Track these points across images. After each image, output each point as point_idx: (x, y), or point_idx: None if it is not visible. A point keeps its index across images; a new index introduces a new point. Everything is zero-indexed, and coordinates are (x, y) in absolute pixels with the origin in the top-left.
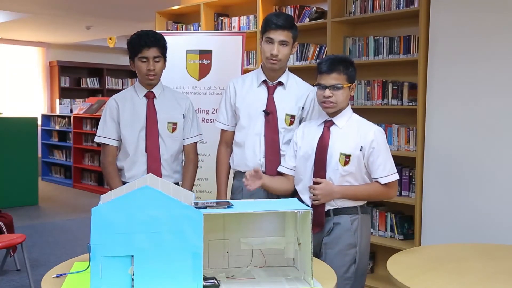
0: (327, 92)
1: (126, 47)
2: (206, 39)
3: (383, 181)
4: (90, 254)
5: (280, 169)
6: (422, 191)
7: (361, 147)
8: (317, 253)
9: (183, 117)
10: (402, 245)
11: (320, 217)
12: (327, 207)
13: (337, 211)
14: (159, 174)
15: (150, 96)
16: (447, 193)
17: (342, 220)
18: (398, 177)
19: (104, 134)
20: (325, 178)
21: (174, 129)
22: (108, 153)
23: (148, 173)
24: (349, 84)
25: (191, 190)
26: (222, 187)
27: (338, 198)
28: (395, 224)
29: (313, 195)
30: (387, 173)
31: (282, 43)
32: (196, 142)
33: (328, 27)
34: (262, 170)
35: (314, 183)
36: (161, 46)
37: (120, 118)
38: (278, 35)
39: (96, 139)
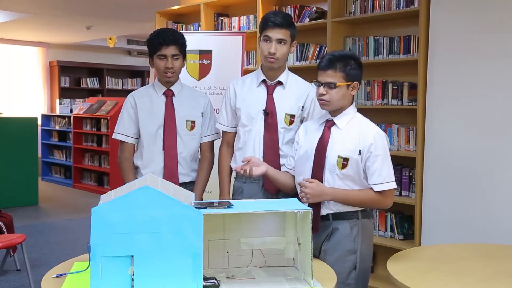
0: (321, 90)
1: (126, 47)
2: (206, 39)
3: (376, 188)
4: (90, 254)
5: (284, 169)
6: (422, 191)
7: (360, 150)
8: (316, 258)
9: (202, 116)
10: (402, 245)
11: (315, 220)
12: (326, 211)
13: (337, 216)
14: (175, 172)
15: (169, 94)
16: (447, 193)
17: (341, 226)
18: (395, 186)
19: (120, 131)
20: (322, 180)
21: (192, 127)
22: (124, 149)
23: (165, 171)
24: (347, 83)
25: (204, 189)
26: (225, 187)
27: (328, 200)
28: (395, 224)
29: (303, 193)
30: (382, 180)
31: (280, 41)
32: (213, 141)
33: (328, 27)
34: None
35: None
36: (180, 44)
37: (138, 115)
38: (276, 33)
39: (113, 136)
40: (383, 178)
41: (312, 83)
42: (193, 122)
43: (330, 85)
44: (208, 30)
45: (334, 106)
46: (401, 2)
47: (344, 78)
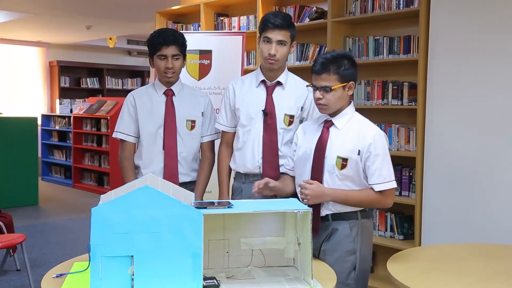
0: (317, 94)
1: (126, 47)
2: (206, 39)
3: (377, 188)
4: (90, 254)
5: (282, 169)
6: (422, 191)
7: (359, 150)
8: (315, 258)
9: (202, 115)
10: (402, 245)
11: (315, 221)
12: (326, 212)
13: (336, 216)
14: (175, 172)
15: (169, 94)
16: (447, 193)
17: (340, 226)
18: (395, 186)
19: (121, 130)
20: (321, 181)
21: (192, 127)
22: (125, 148)
23: (165, 171)
24: (342, 84)
25: (205, 189)
26: (224, 187)
27: (328, 201)
28: (395, 224)
29: (303, 194)
30: (382, 180)
31: (280, 42)
32: (213, 140)
33: (328, 27)
34: (260, 171)
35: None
36: (180, 44)
37: (138, 114)
38: (276, 35)
39: (114, 135)
40: (383, 177)
41: (307, 88)
42: (193, 121)
43: (326, 89)
44: (208, 30)
45: (332, 109)
46: (401, 2)
47: (339, 80)
